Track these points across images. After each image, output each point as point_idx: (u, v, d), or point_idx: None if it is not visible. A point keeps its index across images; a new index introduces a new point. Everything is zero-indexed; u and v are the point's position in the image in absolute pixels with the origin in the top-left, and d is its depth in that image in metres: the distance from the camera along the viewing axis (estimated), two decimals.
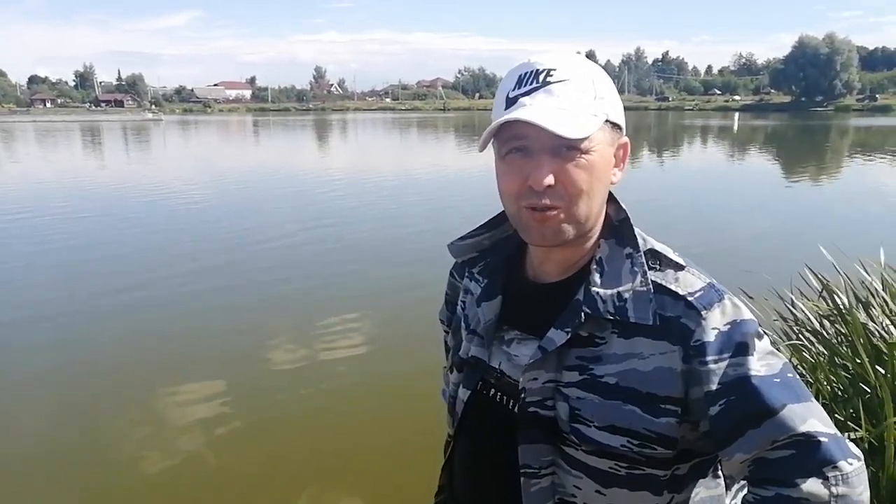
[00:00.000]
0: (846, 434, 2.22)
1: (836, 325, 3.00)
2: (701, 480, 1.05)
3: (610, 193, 1.04)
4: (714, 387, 0.93)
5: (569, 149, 0.93)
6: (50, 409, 4.81)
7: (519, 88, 0.96)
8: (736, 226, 11.08)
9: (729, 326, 0.94)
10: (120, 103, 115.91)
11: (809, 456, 0.90)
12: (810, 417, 0.91)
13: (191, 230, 11.38)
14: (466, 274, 1.22)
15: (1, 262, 9.17)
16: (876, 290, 3.18)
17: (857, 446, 2.10)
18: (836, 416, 2.40)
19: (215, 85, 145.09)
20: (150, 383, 5.17)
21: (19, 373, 5.37)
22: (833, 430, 0.92)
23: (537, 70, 0.96)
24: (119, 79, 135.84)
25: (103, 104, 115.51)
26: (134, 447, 4.27)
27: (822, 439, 0.90)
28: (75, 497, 3.81)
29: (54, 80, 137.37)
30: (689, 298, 0.96)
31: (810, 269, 3.48)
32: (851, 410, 2.39)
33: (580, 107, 0.94)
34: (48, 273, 8.54)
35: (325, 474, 3.95)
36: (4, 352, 5.78)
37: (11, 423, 4.61)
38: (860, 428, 2.23)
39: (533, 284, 1.09)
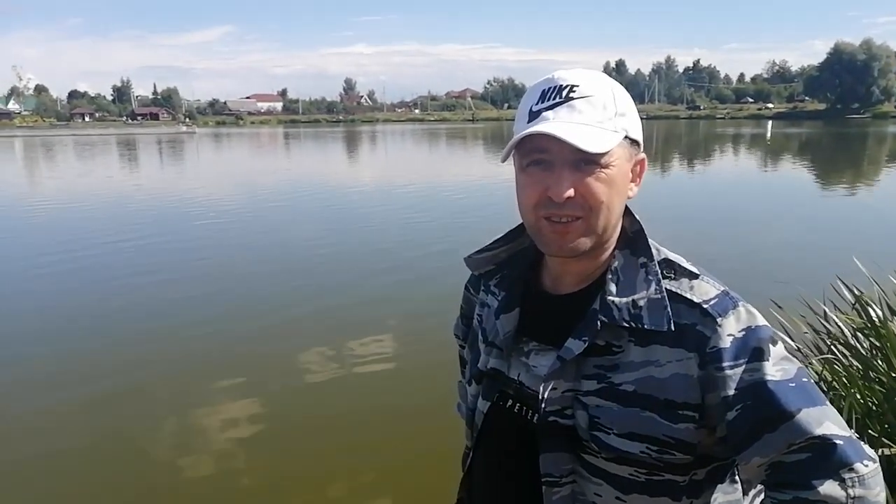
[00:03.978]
0: (881, 450, 2.17)
1: (871, 339, 2.93)
2: (719, 485, 1.06)
3: (625, 206, 1.06)
4: (731, 392, 0.94)
5: (588, 163, 0.96)
6: (80, 409, 4.92)
7: (542, 103, 0.99)
8: (768, 237, 10.89)
9: (744, 333, 0.96)
10: (155, 116, 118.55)
11: (826, 458, 0.91)
12: (826, 420, 0.93)
13: (227, 243, 11.57)
14: (482, 287, 1.24)
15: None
16: None
17: (893, 464, 2.05)
18: (870, 431, 2.35)
19: (247, 98, 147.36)
20: (184, 388, 5.27)
21: (55, 375, 5.51)
22: (848, 432, 0.93)
23: (560, 86, 0.98)
24: (155, 92, 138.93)
25: (139, 117, 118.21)
26: (167, 449, 4.36)
27: (837, 442, 0.92)
28: (108, 497, 3.89)
29: (93, 95, 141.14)
30: (705, 306, 0.98)
31: (842, 281, 3.41)
32: (886, 426, 2.34)
33: (601, 122, 0.97)
34: (85, 282, 8.76)
35: (351, 478, 3.97)
36: (42, 355, 5.96)
37: (45, 422, 4.73)
38: (895, 444, 2.18)
39: (550, 296, 1.11)
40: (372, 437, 4.44)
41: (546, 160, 0.97)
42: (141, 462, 4.21)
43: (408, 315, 6.98)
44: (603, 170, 0.96)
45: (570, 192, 0.95)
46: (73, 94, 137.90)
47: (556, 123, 0.95)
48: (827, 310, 3.37)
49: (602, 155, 0.95)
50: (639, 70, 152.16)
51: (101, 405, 4.99)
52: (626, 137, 0.99)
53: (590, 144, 0.93)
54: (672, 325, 0.97)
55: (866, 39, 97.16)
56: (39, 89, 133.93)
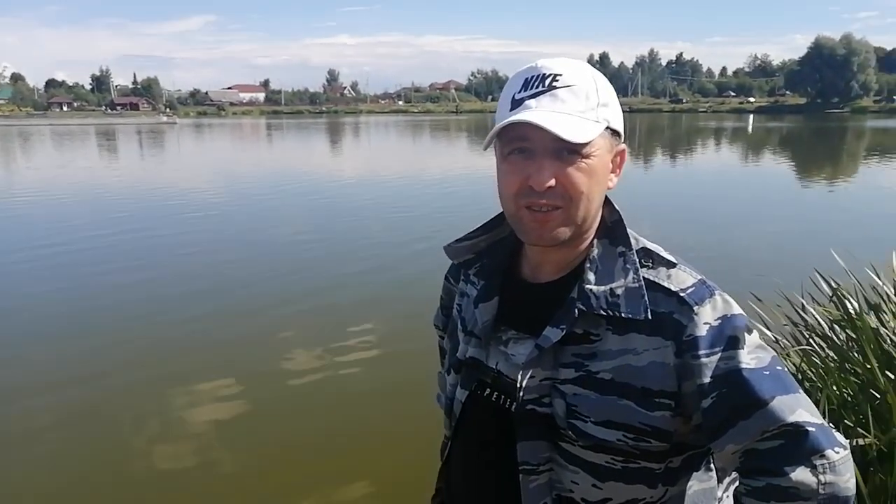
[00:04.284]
0: (855, 440, 2.20)
1: (847, 331, 2.97)
2: (694, 473, 1.07)
3: (605, 196, 1.06)
4: (706, 380, 0.95)
5: (570, 152, 0.96)
6: (63, 407, 4.86)
7: (525, 91, 0.98)
8: (748, 229, 11.00)
9: (720, 321, 0.97)
10: (135, 106, 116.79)
11: (798, 445, 0.93)
12: (798, 408, 0.94)
13: (202, 236, 11.47)
14: (462, 276, 1.24)
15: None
16: (887, 294, 3.15)
17: (867, 454, 2.09)
18: (846, 421, 2.38)
19: (229, 88, 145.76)
20: (163, 383, 5.22)
21: (34, 373, 5.44)
22: (820, 419, 0.95)
23: (543, 74, 0.98)
24: (134, 82, 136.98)
25: (119, 107, 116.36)
26: (149, 446, 4.32)
27: (809, 429, 0.93)
28: (89, 495, 3.85)
29: (71, 84, 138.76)
30: (682, 294, 0.98)
31: (820, 274, 3.45)
32: (861, 416, 2.37)
33: (584, 112, 0.96)
34: (63, 275, 8.65)
35: (331, 468, 3.99)
36: (20, 350, 5.88)
37: (25, 420, 4.66)
38: (869, 434, 2.21)
39: (529, 284, 1.11)
40: (351, 427, 4.45)
41: (528, 149, 0.97)
42: (124, 459, 4.17)
43: (392, 308, 6.97)
44: (584, 160, 0.96)
45: (552, 182, 0.95)
46: (50, 83, 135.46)
47: (538, 112, 0.94)
48: (805, 302, 3.41)
49: (584, 145, 0.95)
50: (622, 63, 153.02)
51: (82, 404, 4.92)
52: (607, 128, 0.99)
53: (571, 134, 0.93)
54: (649, 313, 0.97)
55: (846, 34, 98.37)
56: (15, 78, 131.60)
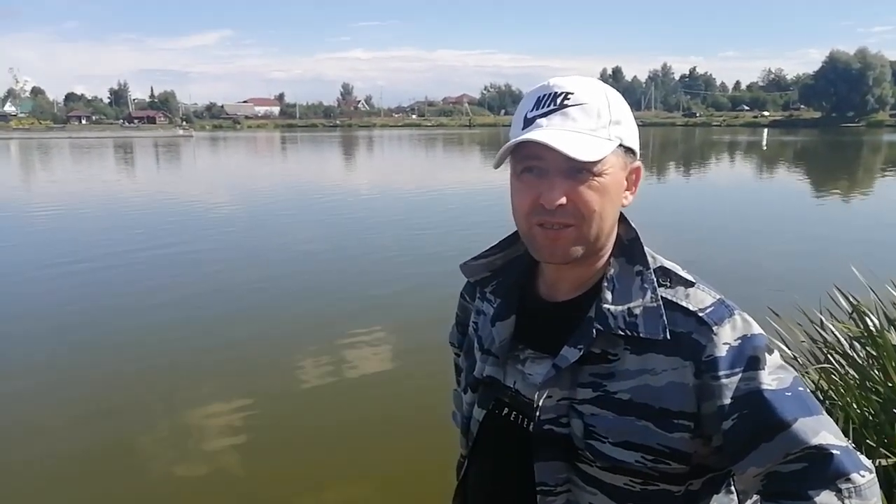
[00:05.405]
0: (877, 461, 2.15)
1: (867, 348, 2.92)
2: (714, 496, 1.05)
3: (621, 214, 1.06)
4: (726, 401, 0.94)
5: (581, 171, 0.95)
6: (77, 416, 4.89)
7: (537, 110, 0.98)
8: (765, 245, 10.91)
9: (740, 341, 0.96)
10: (152, 120, 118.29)
11: (822, 468, 0.91)
12: (822, 430, 0.92)
13: (217, 244, 11.54)
14: (478, 294, 1.23)
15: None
16: None
17: (890, 475, 2.03)
18: (868, 441, 2.34)
19: (244, 102, 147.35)
20: (176, 394, 5.25)
21: (52, 381, 5.49)
22: (844, 441, 0.93)
23: (555, 93, 0.98)
24: (152, 96, 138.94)
25: (136, 121, 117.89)
26: (161, 456, 4.34)
27: (834, 452, 0.91)
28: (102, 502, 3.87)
29: (90, 98, 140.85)
30: (700, 314, 0.97)
31: (839, 290, 3.40)
32: (883, 436, 2.33)
33: (595, 130, 0.96)
34: (74, 286, 8.71)
35: (345, 486, 3.97)
36: (32, 359, 5.92)
37: (38, 429, 4.69)
38: (892, 454, 2.16)
39: (545, 303, 1.10)
40: (366, 445, 4.42)
41: (539, 167, 0.97)
42: (135, 468, 4.19)
43: (406, 323, 6.97)
44: (596, 178, 0.96)
45: (563, 200, 0.95)
46: (69, 97, 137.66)
47: (549, 131, 0.95)
48: (824, 318, 3.36)
49: (595, 163, 0.95)
50: (635, 77, 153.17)
51: (96, 413, 4.95)
52: (620, 146, 0.99)
53: (581, 153, 0.92)
54: (668, 333, 0.96)
55: (861, 48, 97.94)
56: (36, 91, 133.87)
